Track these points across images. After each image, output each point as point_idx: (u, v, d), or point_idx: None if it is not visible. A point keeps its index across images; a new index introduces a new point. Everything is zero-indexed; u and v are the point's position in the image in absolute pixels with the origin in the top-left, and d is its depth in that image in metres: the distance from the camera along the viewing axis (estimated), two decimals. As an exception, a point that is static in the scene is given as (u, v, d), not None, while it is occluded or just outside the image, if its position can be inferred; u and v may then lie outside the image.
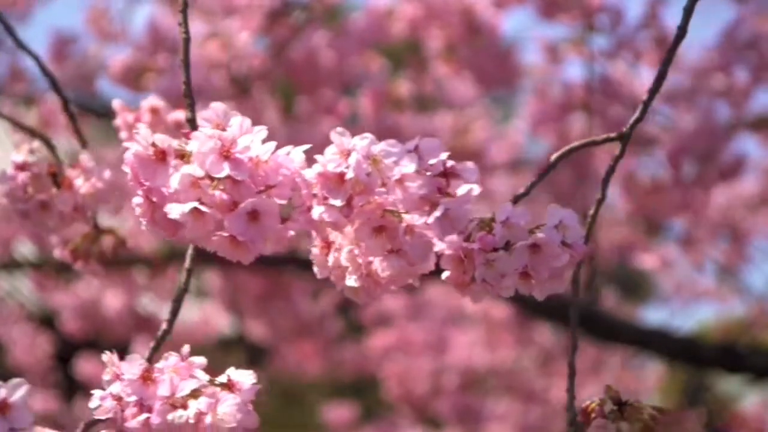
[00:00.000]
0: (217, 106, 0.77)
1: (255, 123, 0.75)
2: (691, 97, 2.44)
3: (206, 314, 2.99)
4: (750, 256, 3.24)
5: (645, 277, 4.46)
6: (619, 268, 3.74)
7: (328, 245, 0.81)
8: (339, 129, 0.75)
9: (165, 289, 2.61)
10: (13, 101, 2.50)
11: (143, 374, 0.76)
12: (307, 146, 0.77)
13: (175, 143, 0.76)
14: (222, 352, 3.10)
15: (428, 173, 0.76)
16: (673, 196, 2.43)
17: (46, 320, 3.23)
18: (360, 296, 0.81)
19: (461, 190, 0.77)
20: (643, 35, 2.38)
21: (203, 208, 0.73)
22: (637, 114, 0.91)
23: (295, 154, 0.76)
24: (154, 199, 0.76)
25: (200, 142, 0.74)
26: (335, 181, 0.75)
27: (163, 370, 0.76)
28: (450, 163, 0.77)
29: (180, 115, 1.11)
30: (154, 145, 0.76)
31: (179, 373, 0.76)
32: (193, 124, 0.86)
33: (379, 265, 0.78)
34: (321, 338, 3.07)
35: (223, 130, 0.75)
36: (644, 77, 2.45)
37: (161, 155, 0.76)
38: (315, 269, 0.83)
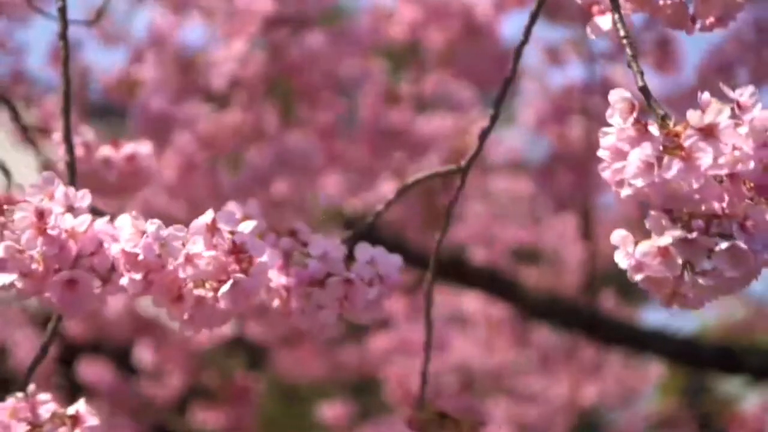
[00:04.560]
0: (46, 176, 0.84)
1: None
2: (691, 97, 2.43)
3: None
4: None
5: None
6: (619, 269, 3.73)
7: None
8: (133, 213, 0.84)
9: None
10: (13, 103, 2.49)
11: None
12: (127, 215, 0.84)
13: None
14: (222, 353, 3.11)
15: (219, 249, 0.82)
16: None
17: (49, 323, 3.23)
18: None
19: (257, 264, 0.83)
20: (644, 37, 2.38)
21: (19, 284, 0.82)
22: (475, 149, 0.99)
23: (120, 221, 0.84)
24: None
25: (19, 217, 0.82)
26: (133, 259, 0.83)
27: None
28: (240, 240, 0.83)
29: (107, 150, 1.23)
30: None
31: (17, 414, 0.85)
32: (67, 132, 1.00)
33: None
34: (321, 340, 3.07)
35: (51, 197, 0.83)
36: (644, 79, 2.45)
37: None
38: None
